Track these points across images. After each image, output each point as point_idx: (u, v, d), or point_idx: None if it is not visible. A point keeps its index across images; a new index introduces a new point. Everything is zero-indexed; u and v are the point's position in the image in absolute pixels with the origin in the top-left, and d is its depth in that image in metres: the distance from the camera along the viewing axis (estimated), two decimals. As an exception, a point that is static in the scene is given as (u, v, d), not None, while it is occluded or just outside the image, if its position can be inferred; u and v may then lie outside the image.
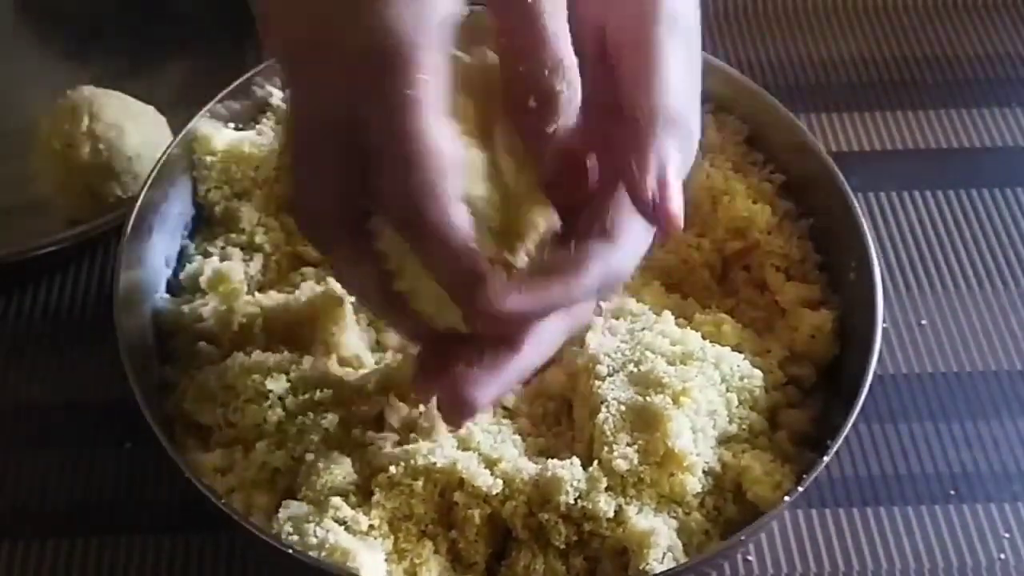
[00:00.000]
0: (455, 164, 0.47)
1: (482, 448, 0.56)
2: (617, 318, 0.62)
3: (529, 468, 0.55)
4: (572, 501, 0.54)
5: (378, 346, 0.63)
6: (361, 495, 0.55)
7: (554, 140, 0.50)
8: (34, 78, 0.83)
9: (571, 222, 0.51)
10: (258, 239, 0.67)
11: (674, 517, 0.55)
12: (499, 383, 0.51)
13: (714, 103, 0.70)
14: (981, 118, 0.83)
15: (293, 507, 0.55)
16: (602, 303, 0.61)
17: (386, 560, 0.54)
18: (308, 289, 0.63)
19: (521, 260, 0.49)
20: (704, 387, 0.57)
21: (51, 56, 0.85)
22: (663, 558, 0.53)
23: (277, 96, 0.71)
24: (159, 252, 0.66)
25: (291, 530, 0.54)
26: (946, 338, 0.72)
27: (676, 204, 0.49)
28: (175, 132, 0.71)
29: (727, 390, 0.58)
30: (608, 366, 0.58)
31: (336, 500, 0.54)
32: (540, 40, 0.49)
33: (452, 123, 0.48)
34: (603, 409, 0.56)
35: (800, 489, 0.55)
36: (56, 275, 0.74)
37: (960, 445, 0.68)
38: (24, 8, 0.88)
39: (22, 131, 0.76)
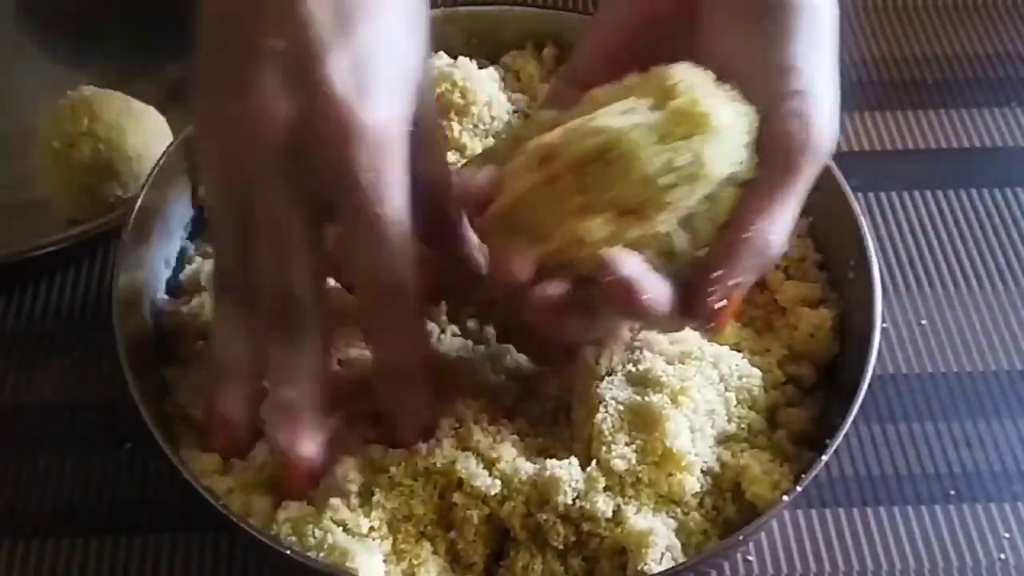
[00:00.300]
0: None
1: (481, 448, 0.56)
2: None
3: (527, 468, 0.55)
4: (570, 501, 0.54)
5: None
6: (360, 496, 0.55)
7: None
8: (34, 78, 0.83)
9: None
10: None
11: (672, 517, 0.55)
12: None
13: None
14: (981, 118, 0.83)
15: (292, 508, 0.55)
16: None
17: (385, 561, 0.54)
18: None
19: None
20: (702, 386, 0.57)
21: (51, 56, 0.85)
22: (661, 558, 0.53)
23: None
24: (159, 253, 0.66)
25: (289, 531, 0.54)
26: (946, 338, 0.72)
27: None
28: (175, 132, 0.71)
29: (726, 389, 0.58)
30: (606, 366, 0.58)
31: (335, 501, 0.54)
32: None
33: None
34: (601, 409, 0.56)
35: (799, 489, 0.55)
36: (56, 275, 0.74)
37: (960, 445, 0.68)
38: (24, 8, 0.88)
39: (22, 131, 0.76)
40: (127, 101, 0.74)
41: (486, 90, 0.71)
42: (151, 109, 0.75)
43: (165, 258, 0.67)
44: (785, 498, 0.55)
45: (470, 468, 0.55)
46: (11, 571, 0.62)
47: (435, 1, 0.49)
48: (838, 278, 0.65)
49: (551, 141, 0.52)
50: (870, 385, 0.57)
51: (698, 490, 0.55)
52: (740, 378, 0.59)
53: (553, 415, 0.60)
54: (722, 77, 0.53)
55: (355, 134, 0.50)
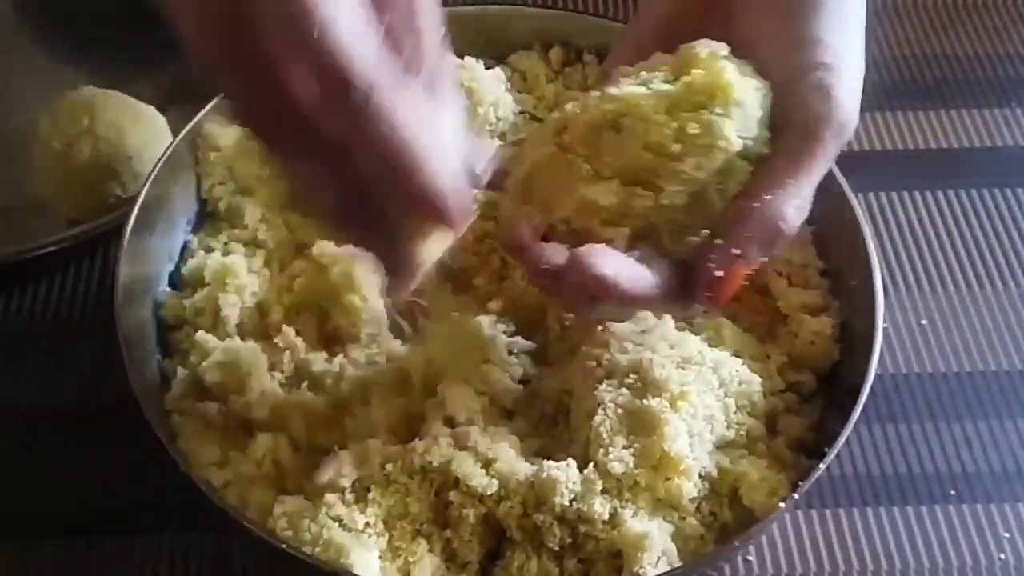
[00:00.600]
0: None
1: (478, 448, 0.56)
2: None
3: (525, 469, 0.55)
4: (567, 503, 0.54)
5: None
6: (357, 492, 0.55)
7: None
8: (34, 78, 0.83)
9: None
10: (261, 235, 0.67)
11: (669, 521, 0.55)
12: None
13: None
14: (981, 118, 0.83)
15: (288, 503, 0.55)
16: None
17: (380, 558, 0.54)
18: (307, 281, 0.64)
19: None
20: (702, 391, 0.57)
21: (51, 56, 0.85)
22: (657, 562, 0.53)
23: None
24: (162, 246, 0.67)
25: (286, 526, 0.54)
26: (946, 338, 0.72)
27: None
28: (175, 132, 0.71)
29: (725, 395, 0.58)
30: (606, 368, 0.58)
31: (331, 497, 0.54)
32: None
33: None
34: (600, 411, 0.56)
35: (796, 496, 0.55)
36: (56, 275, 0.74)
37: (960, 445, 0.68)
38: (24, 8, 0.88)
39: (22, 131, 0.76)
40: (127, 101, 0.74)
41: (492, 90, 0.71)
42: (151, 109, 0.75)
43: (168, 252, 0.67)
44: (782, 505, 0.55)
45: (467, 467, 0.55)
46: (11, 571, 0.62)
47: (442, 1, 0.49)
48: (840, 286, 0.65)
49: (568, 112, 0.53)
50: (870, 385, 0.57)
51: (695, 495, 0.55)
52: (740, 384, 0.59)
53: (552, 417, 0.60)
54: (749, 50, 0.53)
55: None
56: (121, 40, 0.84)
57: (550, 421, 0.60)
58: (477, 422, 0.57)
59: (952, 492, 0.66)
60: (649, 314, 0.61)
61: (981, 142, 0.82)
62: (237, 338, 0.63)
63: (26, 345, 0.71)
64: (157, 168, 0.65)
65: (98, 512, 0.65)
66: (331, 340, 0.63)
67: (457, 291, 0.65)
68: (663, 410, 0.55)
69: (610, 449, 0.55)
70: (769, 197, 0.51)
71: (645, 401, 0.56)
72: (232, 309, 0.63)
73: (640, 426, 0.55)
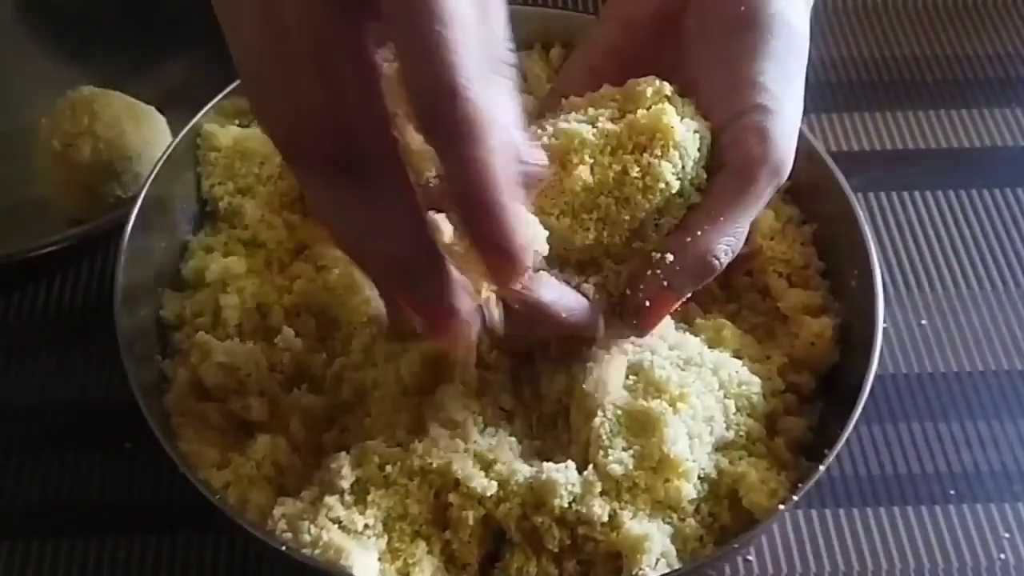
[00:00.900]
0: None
1: (478, 449, 0.56)
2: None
3: (524, 471, 0.55)
4: (566, 505, 0.54)
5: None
6: (356, 494, 0.55)
7: None
8: (34, 78, 0.83)
9: None
10: (261, 235, 0.67)
11: (668, 523, 0.55)
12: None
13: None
14: (981, 118, 0.83)
15: (288, 504, 0.55)
16: None
17: (379, 560, 0.54)
18: (306, 282, 0.64)
19: None
20: (702, 393, 0.57)
21: (51, 56, 0.85)
22: (656, 564, 0.53)
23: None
24: (162, 247, 0.66)
25: (285, 527, 0.54)
26: (946, 338, 0.72)
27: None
28: (175, 132, 0.71)
29: (725, 396, 0.58)
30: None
31: (331, 499, 0.54)
32: None
33: None
34: (599, 413, 0.56)
35: (795, 498, 0.55)
36: (56, 275, 0.74)
37: (960, 445, 0.68)
38: (24, 8, 0.88)
39: (22, 131, 0.76)
40: (127, 101, 0.74)
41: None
42: (151, 109, 0.75)
43: (168, 252, 0.67)
44: (782, 507, 0.55)
45: (466, 469, 0.55)
46: (11, 571, 0.63)
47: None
48: (840, 286, 0.65)
49: None
50: (870, 386, 0.57)
51: (695, 497, 0.55)
52: (739, 385, 0.59)
53: (552, 418, 0.60)
54: (694, 87, 0.55)
55: None
56: (121, 40, 0.84)
57: (550, 422, 0.60)
58: (476, 424, 0.57)
59: (952, 492, 0.66)
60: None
61: (981, 142, 0.82)
62: (237, 339, 0.63)
63: (26, 345, 0.71)
64: (157, 168, 0.65)
65: (98, 512, 0.65)
66: (331, 341, 0.63)
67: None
68: (663, 411, 0.55)
69: (610, 451, 0.55)
70: (701, 233, 0.54)
71: (645, 402, 0.56)
72: (232, 310, 0.63)
73: (640, 428, 0.55)
